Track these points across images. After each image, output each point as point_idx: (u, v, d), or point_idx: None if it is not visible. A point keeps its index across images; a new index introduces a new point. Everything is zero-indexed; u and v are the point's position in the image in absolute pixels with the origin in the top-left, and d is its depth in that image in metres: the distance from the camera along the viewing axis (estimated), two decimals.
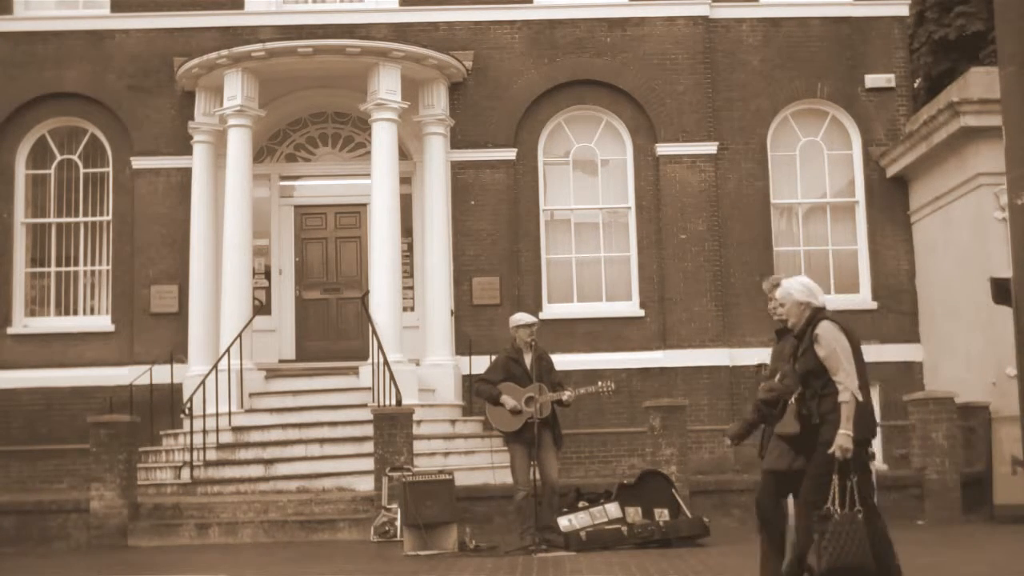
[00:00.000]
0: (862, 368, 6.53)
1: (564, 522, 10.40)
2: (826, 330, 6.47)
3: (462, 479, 11.29)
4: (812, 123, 16.09)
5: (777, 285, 7.08)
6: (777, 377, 7.01)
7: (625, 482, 11.05)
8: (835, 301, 15.54)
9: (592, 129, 15.91)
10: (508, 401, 10.26)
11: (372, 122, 14.40)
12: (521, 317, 10.73)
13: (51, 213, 15.69)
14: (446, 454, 13.06)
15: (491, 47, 15.70)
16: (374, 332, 13.49)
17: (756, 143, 15.82)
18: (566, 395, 10.33)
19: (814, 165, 16.05)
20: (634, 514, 10.70)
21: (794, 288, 6.75)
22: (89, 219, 15.68)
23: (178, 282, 15.15)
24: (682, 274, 15.40)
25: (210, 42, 15.08)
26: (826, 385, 6.41)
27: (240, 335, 13.56)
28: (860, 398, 6.35)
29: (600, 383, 10.53)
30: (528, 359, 10.49)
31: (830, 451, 6.26)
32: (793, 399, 6.58)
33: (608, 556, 9.66)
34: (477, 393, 10.97)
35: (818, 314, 6.59)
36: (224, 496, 12.41)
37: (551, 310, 15.32)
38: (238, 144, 14.35)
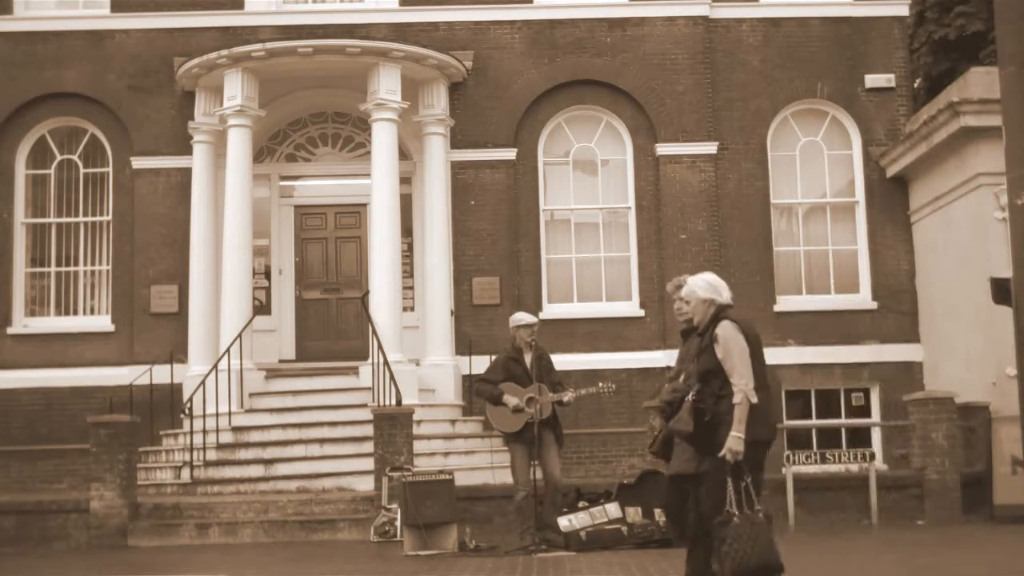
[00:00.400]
0: (761, 369, 6.48)
1: (564, 522, 10.41)
2: (725, 330, 6.43)
3: (462, 479, 11.29)
4: (812, 123, 16.08)
5: (681, 285, 7.02)
6: (682, 378, 6.98)
7: (625, 482, 11.06)
8: (835, 301, 15.66)
9: (592, 129, 15.91)
10: (511, 400, 10.26)
11: (372, 122, 14.40)
12: (521, 317, 10.73)
13: (51, 213, 15.69)
14: (446, 454, 13.06)
15: (491, 47, 15.70)
16: (374, 332, 13.49)
17: (756, 143, 15.82)
18: (567, 396, 10.33)
19: (814, 165, 16.05)
20: (634, 514, 10.71)
21: (698, 285, 6.71)
22: (89, 219, 15.68)
23: (178, 282, 15.15)
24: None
25: (210, 42, 15.08)
26: (724, 386, 6.37)
27: (240, 335, 13.56)
28: (753, 400, 6.31)
29: (601, 384, 10.53)
30: (528, 359, 10.49)
31: (721, 453, 6.26)
32: (690, 396, 6.51)
33: (608, 556, 9.66)
34: (478, 393, 10.96)
35: (722, 312, 6.55)
36: (224, 496, 12.41)
37: (551, 310, 15.32)
38: (238, 144, 14.35)
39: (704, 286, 6.68)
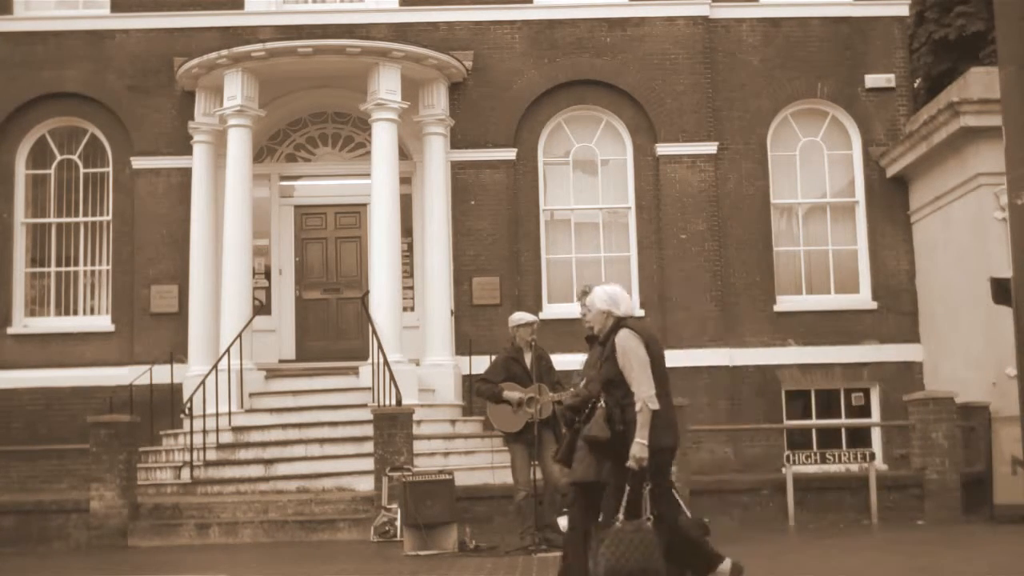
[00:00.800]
0: (662, 376, 6.54)
1: (564, 522, 10.38)
2: (622, 339, 6.49)
3: (462, 479, 11.28)
4: (812, 123, 16.09)
5: (587, 293, 7.07)
6: (583, 383, 7.02)
7: None
8: (835, 301, 15.66)
9: (592, 129, 15.91)
10: (513, 396, 10.25)
11: (372, 122, 14.40)
12: (521, 316, 10.74)
13: (51, 213, 15.69)
14: (446, 454, 13.06)
15: (491, 47, 15.70)
16: (374, 332, 13.49)
17: (756, 143, 15.82)
18: (567, 396, 10.31)
19: (814, 165, 16.05)
20: None
21: (598, 296, 6.81)
22: (89, 219, 15.68)
23: (178, 282, 15.15)
24: (682, 274, 15.40)
25: (210, 42, 15.08)
26: (627, 395, 6.43)
27: (240, 335, 13.56)
28: (654, 407, 6.35)
29: None
30: (528, 359, 10.49)
31: (628, 463, 6.30)
32: (602, 404, 6.57)
33: None
34: (478, 393, 10.96)
35: (620, 323, 6.61)
36: (224, 496, 12.41)
37: (551, 310, 15.31)
38: (238, 144, 14.35)
39: (604, 297, 6.78)
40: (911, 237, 15.78)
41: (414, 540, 10.23)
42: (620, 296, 6.79)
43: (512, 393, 10.28)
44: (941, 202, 14.81)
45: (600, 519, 6.56)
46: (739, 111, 15.84)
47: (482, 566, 9.26)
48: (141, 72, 15.55)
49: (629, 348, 6.46)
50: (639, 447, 6.29)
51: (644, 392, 6.37)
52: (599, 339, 6.78)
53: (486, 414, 11.07)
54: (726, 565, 6.71)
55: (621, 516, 6.28)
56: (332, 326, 15.66)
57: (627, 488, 6.31)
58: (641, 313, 15.39)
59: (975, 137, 13.64)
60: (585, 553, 6.81)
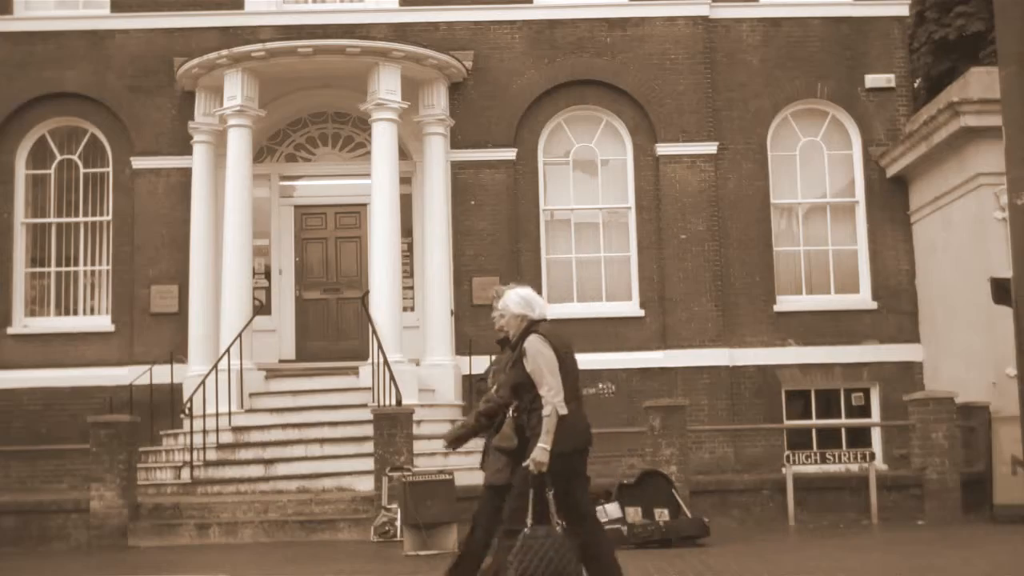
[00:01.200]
0: (572, 381, 6.51)
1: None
2: (531, 344, 6.46)
3: (462, 479, 11.27)
4: (812, 123, 16.08)
5: (500, 295, 7.05)
6: (494, 389, 7.01)
7: (625, 482, 11.05)
8: (835, 301, 15.65)
9: (592, 129, 15.91)
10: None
11: (372, 122, 14.40)
12: None
13: (51, 213, 15.69)
14: (446, 454, 13.02)
15: (491, 47, 15.70)
16: (374, 332, 13.49)
17: (756, 143, 15.82)
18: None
19: (814, 165, 16.05)
20: (634, 514, 10.70)
21: (512, 300, 6.77)
22: (89, 219, 15.68)
23: (178, 282, 15.15)
24: (682, 274, 15.40)
25: (210, 42, 15.08)
26: (535, 399, 6.40)
27: (240, 335, 13.56)
28: (563, 412, 6.32)
29: (600, 384, 10.54)
30: None
31: (525, 464, 6.29)
32: (511, 412, 6.55)
33: None
34: (478, 392, 10.96)
35: (532, 327, 6.58)
36: (224, 496, 12.41)
37: (551, 310, 15.18)
38: (238, 144, 14.35)
39: (518, 301, 6.74)
40: (911, 237, 15.78)
41: (414, 540, 10.23)
42: (534, 299, 6.76)
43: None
44: (941, 202, 14.81)
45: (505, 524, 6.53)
46: (739, 111, 15.84)
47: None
48: (141, 72, 15.55)
49: (538, 352, 6.42)
50: (540, 452, 6.25)
51: (552, 397, 6.33)
52: (511, 343, 6.74)
53: None
54: None
55: (529, 522, 6.24)
56: (332, 326, 15.66)
57: (531, 493, 6.28)
58: (641, 313, 15.41)
59: (975, 137, 13.64)
60: (480, 553, 6.84)
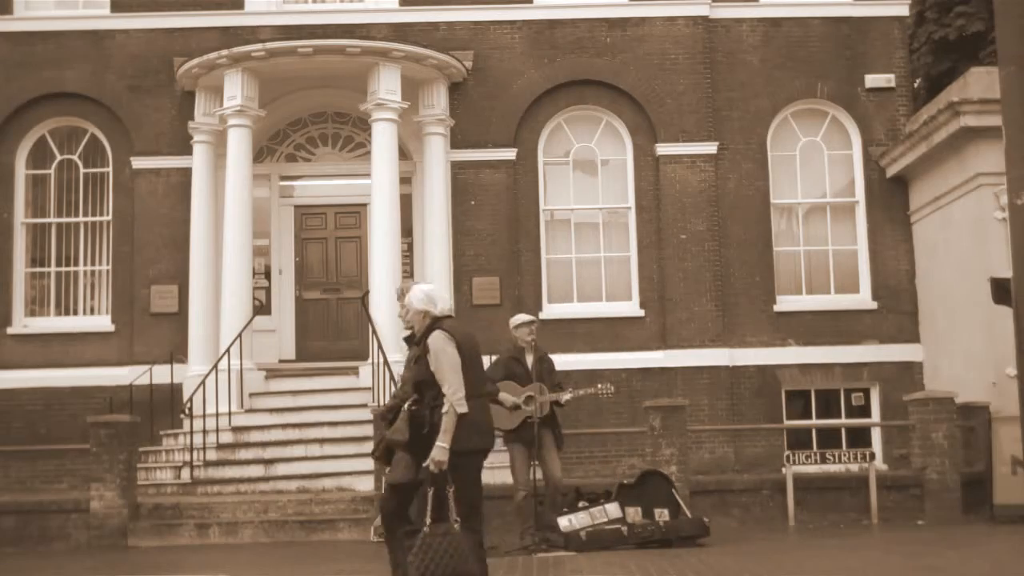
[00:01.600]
0: (476, 378, 6.52)
1: (564, 522, 10.40)
2: (435, 340, 6.46)
3: None
4: (812, 123, 16.08)
5: (406, 291, 7.05)
6: (399, 384, 7.02)
7: (625, 482, 11.05)
8: (835, 301, 15.65)
9: (592, 129, 15.91)
10: (507, 398, 10.26)
11: (372, 122, 14.40)
12: (519, 317, 10.77)
13: (51, 213, 15.69)
14: None
15: (491, 47, 15.70)
16: (374, 332, 13.49)
17: (756, 143, 15.82)
18: (564, 396, 10.34)
19: (814, 165, 16.05)
20: (634, 514, 10.70)
21: (415, 296, 6.78)
22: (89, 219, 15.68)
23: (178, 282, 15.14)
24: (682, 274, 15.40)
25: (210, 42, 15.08)
26: (438, 396, 6.40)
27: (240, 335, 13.56)
28: (461, 409, 6.32)
29: (600, 385, 10.54)
30: (530, 360, 10.50)
31: (428, 465, 6.31)
32: (406, 405, 6.56)
33: (608, 556, 9.66)
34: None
35: (436, 323, 6.57)
36: (224, 496, 12.41)
37: (551, 310, 15.32)
38: (238, 144, 14.35)
39: (421, 297, 6.75)
40: (911, 237, 15.77)
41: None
42: (437, 295, 6.77)
43: (506, 396, 10.29)
44: (941, 202, 14.81)
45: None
46: (739, 111, 15.83)
47: None
48: (141, 72, 15.55)
49: (440, 349, 6.42)
50: (439, 450, 6.26)
51: (452, 394, 6.33)
52: (416, 339, 6.73)
53: None
54: None
55: (428, 520, 6.26)
56: (332, 326, 15.66)
57: (430, 491, 6.31)
58: (641, 313, 15.41)
59: (975, 137, 13.64)
60: (401, 552, 6.86)
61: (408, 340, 7.21)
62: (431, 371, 6.42)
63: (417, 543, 6.18)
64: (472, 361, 6.51)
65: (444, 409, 6.31)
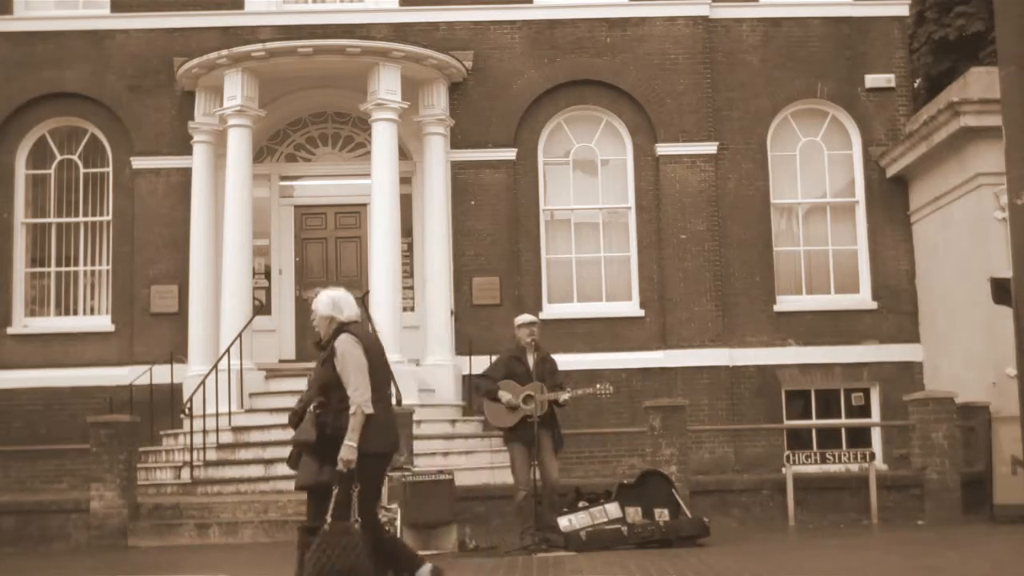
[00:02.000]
0: (382, 382, 6.63)
1: (564, 522, 10.39)
2: (341, 343, 6.57)
3: (462, 479, 11.28)
4: (812, 123, 16.08)
5: (316, 297, 7.11)
6: (306, 388, 7.10)
7: (625, 482, 11.04)
8: (835, 301, 15.65)
9: (592, 129, 15.91)
10: (504, 396, 10.29)
11: (372, 122, 14.40)
12: (522, 317, 10.80)
13: (51, 213, 15.69)
14: (446, 454, 13.05)
15: (491, 47, 15.70)
16: (374, 332, 13.48)
17: (756, 143, 15.82)
18: (563, 396, 10.34)
19: (814, 165, 16.05)
20: (634, 514, 10.69)
21: (321, 302, 6.88)
22: (89, 219, 15.68)
23: (178, 282, 15.14)
24: (682, 274, 15.40)
25: (210, 42, 15.08)
26: (343, 399, 6.51)
27: (240, 335, 13.56)
28: (368, 411, 6.42)
29: (598, 385, 10.54)
30: (532, 360, 10.50)
31: (337, 466, 6.40)
32: (312, 407, 6.65)
33: (608, 556, 9.66)
34: (476, 388, 10.99)
35: (342, 328, 6.67)
36: (224, 496, 12.41)
37: (551, 310, 15.32)
38: (238, 144, 14.35)
39: (327, 303, 6.85)
40: (911, 237, 15.78)
41: (414, 540, 10.21)
42: (344, 301, 6.85)
43: (504, 393, 10.31)
44: (941, 202, 14.81)
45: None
46: (739, 111, 15.83)
47: (482, 566, 9.26)
48: (141, 72, 15.55)
49: (347, 352, 6.54)
50: (347, 449, 6.37)
51: (358, 397, 6.45)
52: (322, 344, 6.81)
53: (483, 411, 11.10)
54: (425, 569, 6.73)
55: (328, 519, 6.35)
56: None
57: (335, 491, 6.41)
58: (641, 313, 15.41)
59: (975, 137, 13.64)
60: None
61: (316, 345, 7.27)
62: (337, 373, 6.54)
63: (316, 541, 6.30)
64: (378, 364, 6.66)
65: (351, 411, 6.43)
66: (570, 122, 15.90)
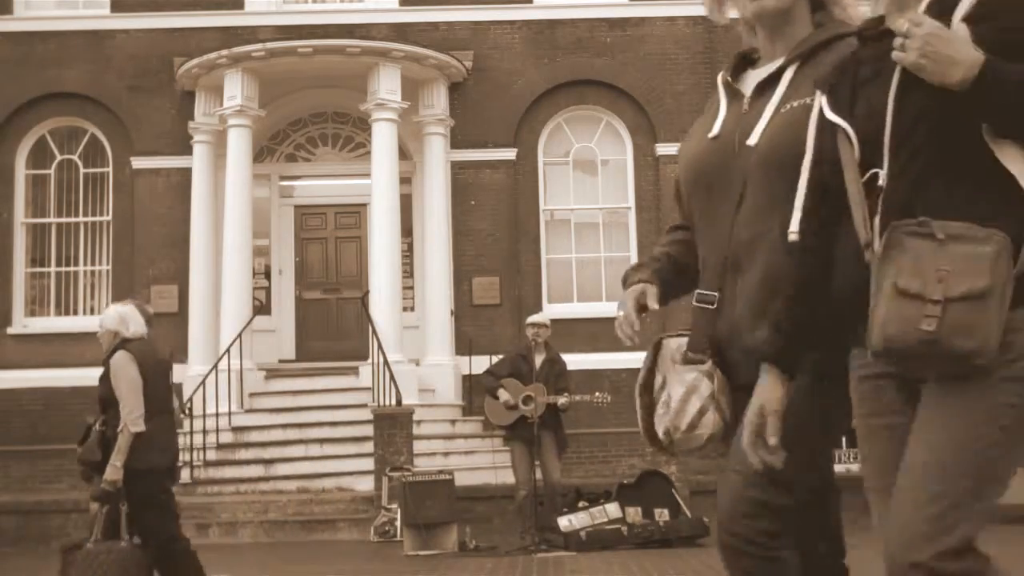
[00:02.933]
0: (159, 396, 6.60)
1: (564, 522, 10.41)
2: (115, 361, 6.52)
3: (462, 479, 11.29)
4: None
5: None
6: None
7: (625, 482, 11.06)
8: None
9: (592, 129, 15.91)
10: (503, 395, 10.34)
11: (372, 122, 14.41)
12: (531, 317, 10.96)
13: (51, 213, 15.69)
14: (446, 454, 13.06)
15: (491, 47, 15.69)
16: (374, 332, 13.49)
17: None
18: (560, 400, 10.37)
19: None
20: (634, 514, 10.71)
21: (108, 316, 6.82)
22: (89, 219, 15.68)
23: (178, 282, 15.14)
24: None
25: (210, 42, 15.07)
26: (118, 415, 6.48)
27: (240, 335, 13.56)
28: (136, 429, 6.38)
29: (597, 394, 10.59)
30: (539, 360, 10.52)
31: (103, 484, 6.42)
32: (97, 424, 6.64)
33: (608, 556, 9.67)
34: (481, 382, 11.06)
35: (123, 344, 6.62)
36: (224, 496, 12.41)
37: (551, 310, 15.26)
38: (238, 144, 14.35)
39: (115, 317, 6.77)
40: None
41: (414, 540, 10.23)
42: (132, 318, 6.77)
43: (504, 392, 10.35)
44: None
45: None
46: None
47: (482, 566, 9.26)
48: (141, 72, 15.54)
49: (119, 369, 6.49)
50: (111, 470, 6.37)
51: (128, 414, 6.41)
52: (103, 359, 6.80)
53: (484, 408, 11.15)
54: None
55: (94, 537, 6.37)
56: (332, 326, 15.65)
57: (103, 509, 6.45)
58: None
59: None
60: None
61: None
62: (112, 390, 6.52)
63: (79, 558, 6.29)
64: (155, 381, 6.60)
65: (119, 428, 6.42)
66: (570, 122, 15.90)
